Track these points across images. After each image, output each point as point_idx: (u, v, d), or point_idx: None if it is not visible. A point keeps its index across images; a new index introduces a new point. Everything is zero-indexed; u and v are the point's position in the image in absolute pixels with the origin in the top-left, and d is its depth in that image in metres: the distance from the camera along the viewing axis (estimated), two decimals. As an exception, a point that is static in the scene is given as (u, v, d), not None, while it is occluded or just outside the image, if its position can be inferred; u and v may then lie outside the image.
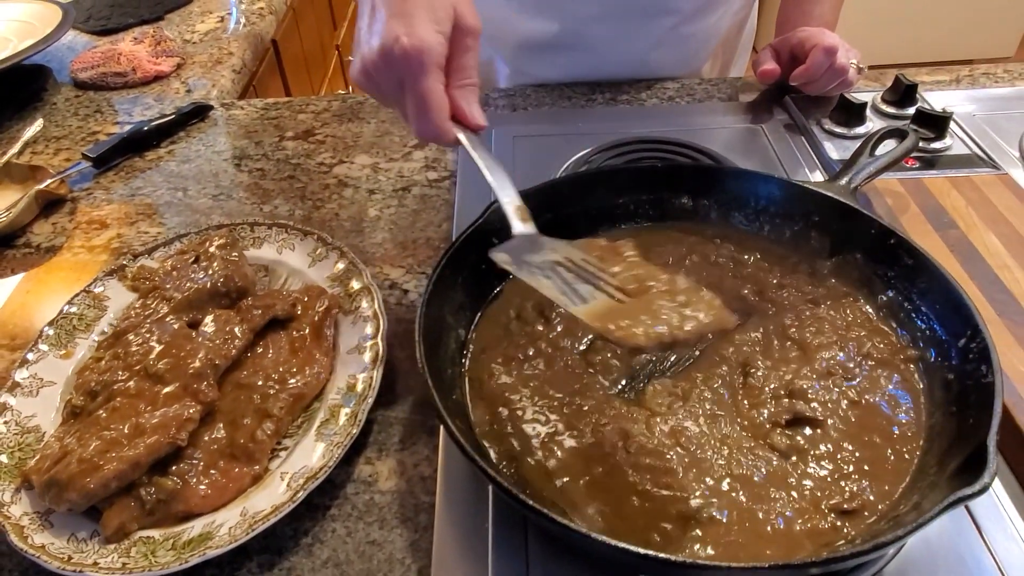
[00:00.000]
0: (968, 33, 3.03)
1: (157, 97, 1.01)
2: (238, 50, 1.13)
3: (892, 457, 0.47)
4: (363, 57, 0.49)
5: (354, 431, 0.51)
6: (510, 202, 0.50)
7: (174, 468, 0.49)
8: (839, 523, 0.43)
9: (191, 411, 0.51)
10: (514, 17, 0.95)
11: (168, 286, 0.62)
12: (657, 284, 0.48)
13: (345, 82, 2.02)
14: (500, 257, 0.49)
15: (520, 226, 0.50)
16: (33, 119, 0.97)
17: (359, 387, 0.54)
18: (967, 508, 0.46)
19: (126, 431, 0.49)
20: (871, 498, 0.45)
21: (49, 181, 0.81)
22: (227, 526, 0.47)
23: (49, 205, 0.81)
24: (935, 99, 0.86)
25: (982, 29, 3.02)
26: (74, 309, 0.62)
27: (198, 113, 0.94)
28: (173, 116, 0.92)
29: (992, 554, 0.44)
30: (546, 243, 0.49)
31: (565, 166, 0.78)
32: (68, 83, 1.07)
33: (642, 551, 0.37)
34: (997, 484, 0.48)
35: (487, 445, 0.49)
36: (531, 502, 0.39)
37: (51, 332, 0.60)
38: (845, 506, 0.44)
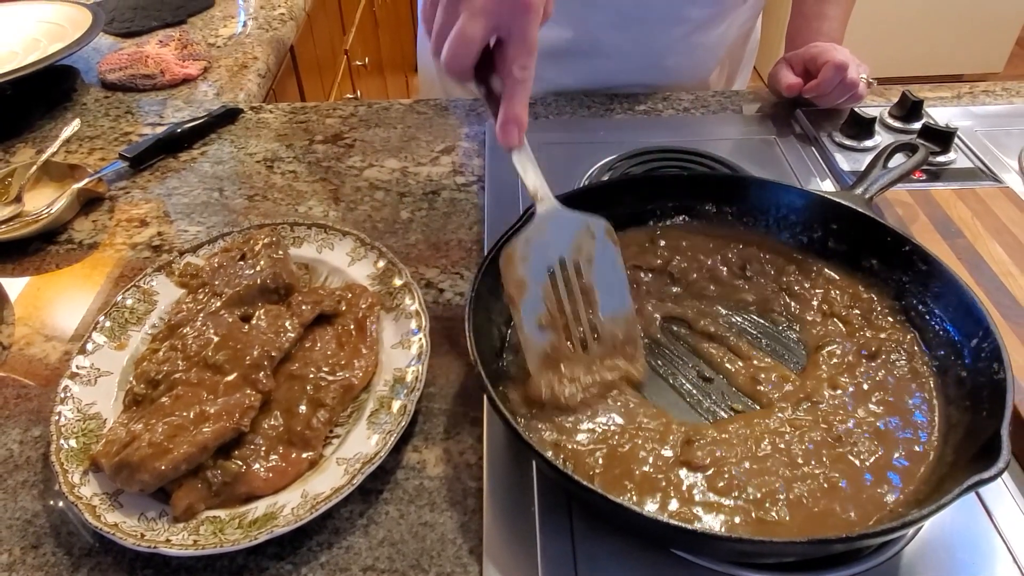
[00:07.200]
0: (958, 48, 3.11)
1: (186, 100, 1.04)
2: (262, 55, 1.16)
3: (909, 448, 0.50)
4: None
5: (403, 421, 0.54)
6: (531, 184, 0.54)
7: (236, 453, 0.52)
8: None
9: (251, 399, 0.53)
10: None
11: (217, 282, 0.65)
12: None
13: (352, 86, 2.05)
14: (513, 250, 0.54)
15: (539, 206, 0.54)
16: (65, 119, 1.00)
17: (408, 379, 0.57)
18: (979, 496, 0.50)
19: (191, 417, 0.52)
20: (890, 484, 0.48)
21: (88, 180, 0.83)
22: (289, 507, 0.50)
23: (88, 203, 0.84)
24: (938, 114, 0.90)
25: (971, 45, 3.10)
26: (128, 301, 0.64)
27: (228, 116, 0.97)
28: (205, 118, 0.95)
29: (1002, 536, 0.48)
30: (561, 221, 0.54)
31: (590, 172, 0.81)
32: (95, 84, 1.09)
33: (689, 527, 0.41)
34: (1005, 474, 0.52)
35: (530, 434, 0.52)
36: (585, 482, 0.43)
37: (107, 324, 0.63)
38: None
